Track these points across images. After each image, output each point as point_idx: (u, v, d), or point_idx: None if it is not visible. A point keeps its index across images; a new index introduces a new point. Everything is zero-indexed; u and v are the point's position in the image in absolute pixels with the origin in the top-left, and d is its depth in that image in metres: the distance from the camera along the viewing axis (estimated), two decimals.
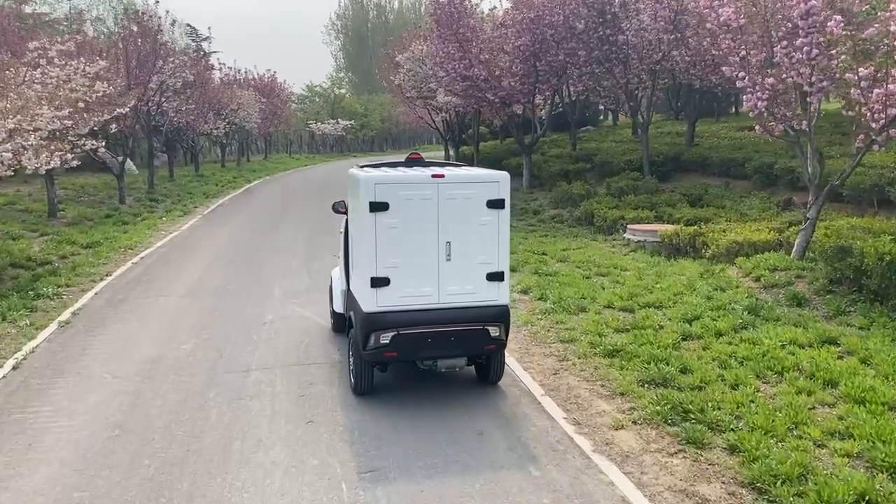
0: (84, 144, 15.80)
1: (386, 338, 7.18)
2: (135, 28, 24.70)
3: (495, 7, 44.24)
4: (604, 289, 12.22)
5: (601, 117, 46.07)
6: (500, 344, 7.62)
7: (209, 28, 46.32)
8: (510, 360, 8.98)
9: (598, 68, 21.67)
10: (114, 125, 17.84)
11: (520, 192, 24.29)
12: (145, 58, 24.21)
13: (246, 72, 50.68)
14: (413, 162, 8.22)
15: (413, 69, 29.65)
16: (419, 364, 7.72)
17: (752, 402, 7.32)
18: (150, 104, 27.05)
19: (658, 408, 7.20)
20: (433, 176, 7.25)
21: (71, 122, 14.11)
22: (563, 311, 10.80)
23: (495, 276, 7.39)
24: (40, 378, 8.49)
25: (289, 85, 56.83)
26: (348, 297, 8.29)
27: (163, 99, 28.67)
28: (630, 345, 9.15)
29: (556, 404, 7.61)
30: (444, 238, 7.23)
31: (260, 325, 10.61)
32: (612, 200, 19.75)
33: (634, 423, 7.09)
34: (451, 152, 35.73)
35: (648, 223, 17.35)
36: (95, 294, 12.47)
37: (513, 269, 13.79)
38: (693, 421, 6.93)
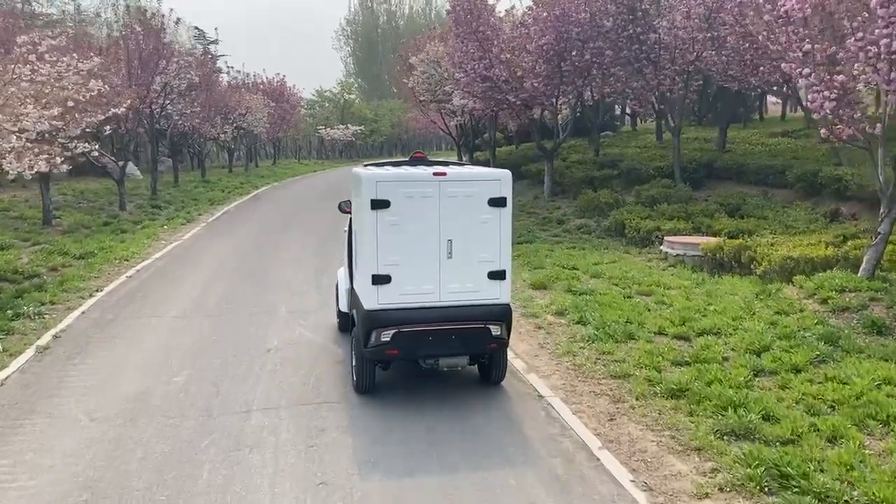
0: (76, 147, 14.55)
1: (387, 335, 7.14)
2: (137, 27, 23.52)
3: (514, 6, 42.95)
4: (649, 311, 10.88)
5: (617, 123, 44.68)
6: (502, 343, 7.57)
7: (216, 29, 44.85)
8: (556, 400, 7.68)
9: (626, 69, 20.35)
10: (108, 127, 16.56)
11: (541, 200, 22.98)
12: (147, 57, 23.01)
13: (255, 76, 49.69)
14: (416, 161, 8.04)
15: (427, 71, 28.41)
16: (421, 363, 7.57)
17: (861, 462, 5.98)
18: (153, 106, 25.87)
19: (749, 470, 5.86)
20: (434, 174, 7.19)
21: (61, 122, 12.88)
22: (608, 338, 9.46)
23: (497, 275, 7.34)
24: (4, 419, 7.22)
25: (298, 90, 55.76)
26: (352, 295, 8.16)
27: (167, 101, 27.48)
28: (695, 382, 7.82)
29: (619, 462, 6.28)
30: (446, 236, 7.19)
31: (264, 352, 9.33)
32: (644, 210, 18.42)
33: (721, 489, 5.75)
34: (465, 158, 34.43)
35: (686, 235, 16.02)
36: (82, 313, 11.21)
37: (543, 287, 12.54)
38: (796, 490, 5.60)
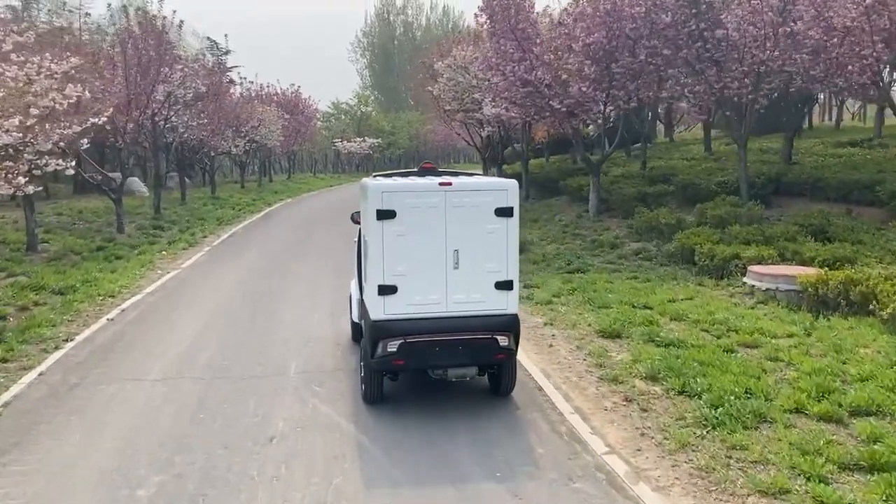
0: (47, 164, 12.24)
1: (393, 346, 7.10)
2: (136, 29, 21.34)
3: (548, 6, 40.52)
4: (766, 372, 8.36)
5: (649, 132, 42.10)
6: (510, 353, 7.48)
7: (226, 36, 42.62)
8: None
9: (685, 70, 17.87)
10: (85, 140, 14.26)
11: (586, 220, 20.47)
12: (148, 63, 20.81)
13: (268, 86, 47.65)
14: (426, 171, 7.89)
15: (454, 78, 26.07)
16: (430, 374, 7.55)
17: None
18: (155, 117, 23.69)
19: None
20: (440, 184, 7.17)
21: (24, 134, 10.59)
22: (733, 421, 6.93)
23: (504, 285, 7.29)
24: None
25: (314, 101, 53.69)
26: (361, 305, 8.06)
27: (171, 112, 25.29)
28: None
29: None
30: (452, 246, 7.16)
31: (265, 441, 6.90)
32: (713, 232, 15.84)
33: None
34: (493, 171, 31.99)
35: (774, 264, 13.44)
36: (39, 375, 8.83)
37: (617, 335, 10.07)
38: None
